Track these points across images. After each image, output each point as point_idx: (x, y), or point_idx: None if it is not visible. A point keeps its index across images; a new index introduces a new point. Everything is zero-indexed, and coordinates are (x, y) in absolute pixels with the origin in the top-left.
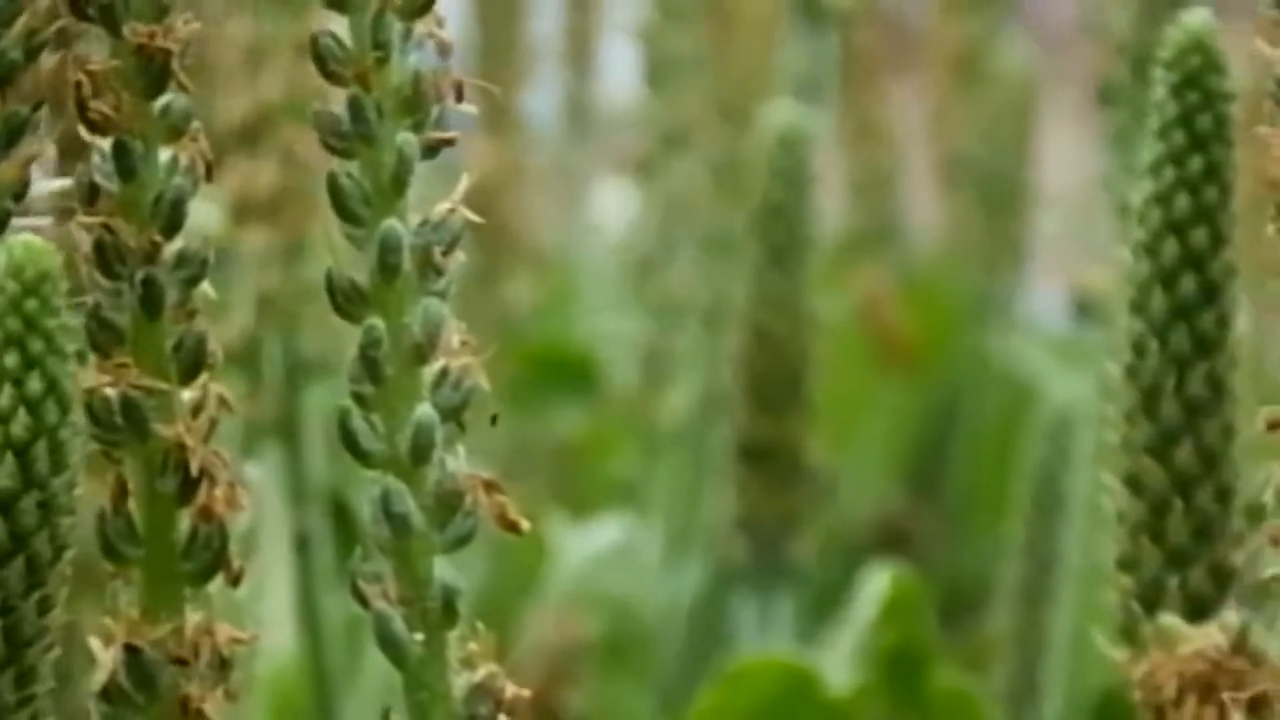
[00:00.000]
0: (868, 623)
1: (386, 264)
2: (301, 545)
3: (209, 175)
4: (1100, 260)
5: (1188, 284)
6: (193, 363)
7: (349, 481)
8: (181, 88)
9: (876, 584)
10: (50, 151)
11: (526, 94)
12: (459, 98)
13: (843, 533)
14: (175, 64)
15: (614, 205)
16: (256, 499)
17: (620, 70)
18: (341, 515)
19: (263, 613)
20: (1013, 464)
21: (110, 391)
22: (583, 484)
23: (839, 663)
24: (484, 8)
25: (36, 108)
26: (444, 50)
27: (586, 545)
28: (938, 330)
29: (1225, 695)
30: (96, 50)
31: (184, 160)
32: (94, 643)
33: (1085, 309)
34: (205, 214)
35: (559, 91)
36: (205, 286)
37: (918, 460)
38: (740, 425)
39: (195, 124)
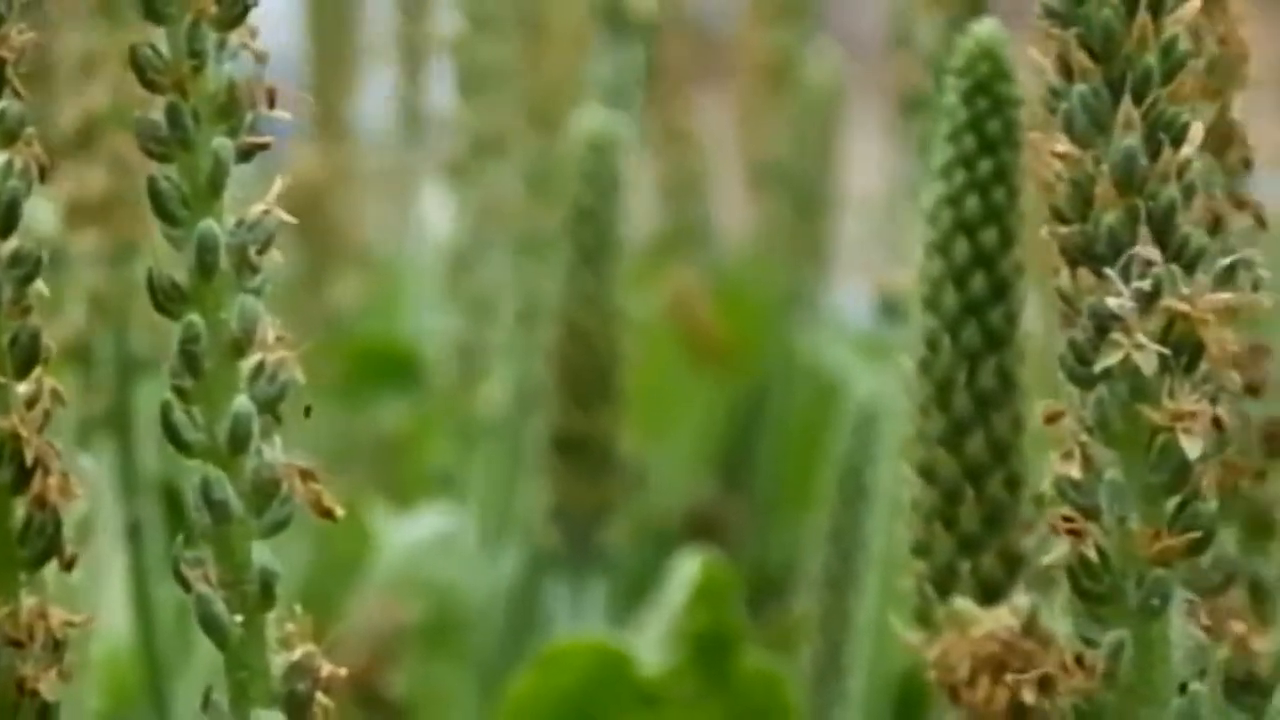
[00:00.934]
0: (679, 607)
1: (204, 263)
2: (133, 533)
3: (43, 178)
4: (902, 261)
5: (978, 282)
6: (27, 357)
7: (179, 471)
8: (15, 94)
9: (687, 570)
10: None
11: (357, 100)
12: (272, 104)
13: (655, 521)
14: (9, 71)
15: (437, 208)
16: (90, 488)
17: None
18: (173, 504)
19: (97, 598)
20: (819, 456)
21: None
22: (405, 474)
23: (651, 645)
24: (316, 17)
25: None
26: (259, 59)
27: (408, 533)
28: (746, 327)
29: (1015, 675)
30: None
31: (18, 164)
32: None
33: (888, 307)
34: (39, 215)
35: (390, 98)
36: (39, 285)
37: (727, 452)
38: (554, 418)
39: (29, 129)
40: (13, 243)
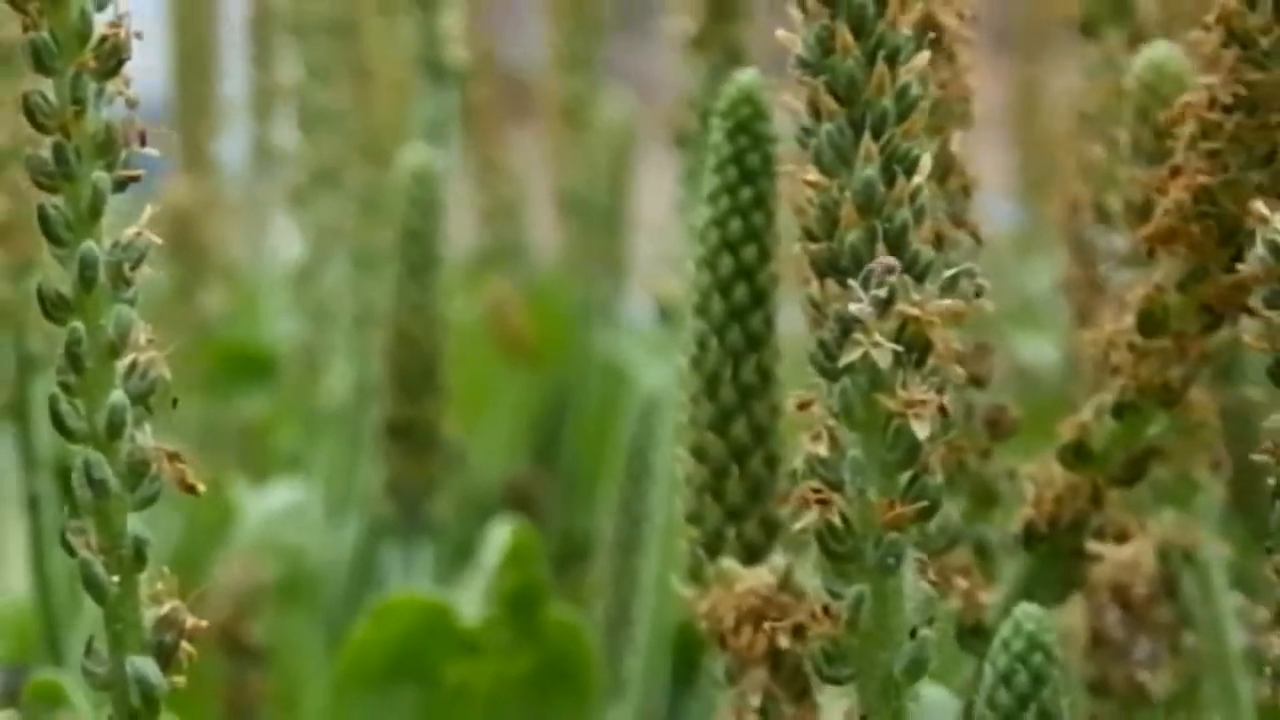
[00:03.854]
0: (493, 568)
1: (85, 278)
2: (32, 505)
3: None
4: (676, 272)
5: (740, 292)
6: None
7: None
8: None
9: (500, 536)
10: None
11: (217, 139)
12: (143, 142)
13: (475, 495)
14: None
15: (285, 230)
16: None
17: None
18: (66, 481)
19: (3, 562)
20: (612, 438)
21: None
22: (261, 455)
23: (470, 600)
24: (181, 68)
25: None
26: (131, 104)
27: (264, 505)
28: (553, 330)
29: (773, 624)
30: None
31: None
32: None
33: (664, 312)
34: None
35: (246, 137)
36: None
37: (537, 435)
38: (386, 407)
39: None
40: None
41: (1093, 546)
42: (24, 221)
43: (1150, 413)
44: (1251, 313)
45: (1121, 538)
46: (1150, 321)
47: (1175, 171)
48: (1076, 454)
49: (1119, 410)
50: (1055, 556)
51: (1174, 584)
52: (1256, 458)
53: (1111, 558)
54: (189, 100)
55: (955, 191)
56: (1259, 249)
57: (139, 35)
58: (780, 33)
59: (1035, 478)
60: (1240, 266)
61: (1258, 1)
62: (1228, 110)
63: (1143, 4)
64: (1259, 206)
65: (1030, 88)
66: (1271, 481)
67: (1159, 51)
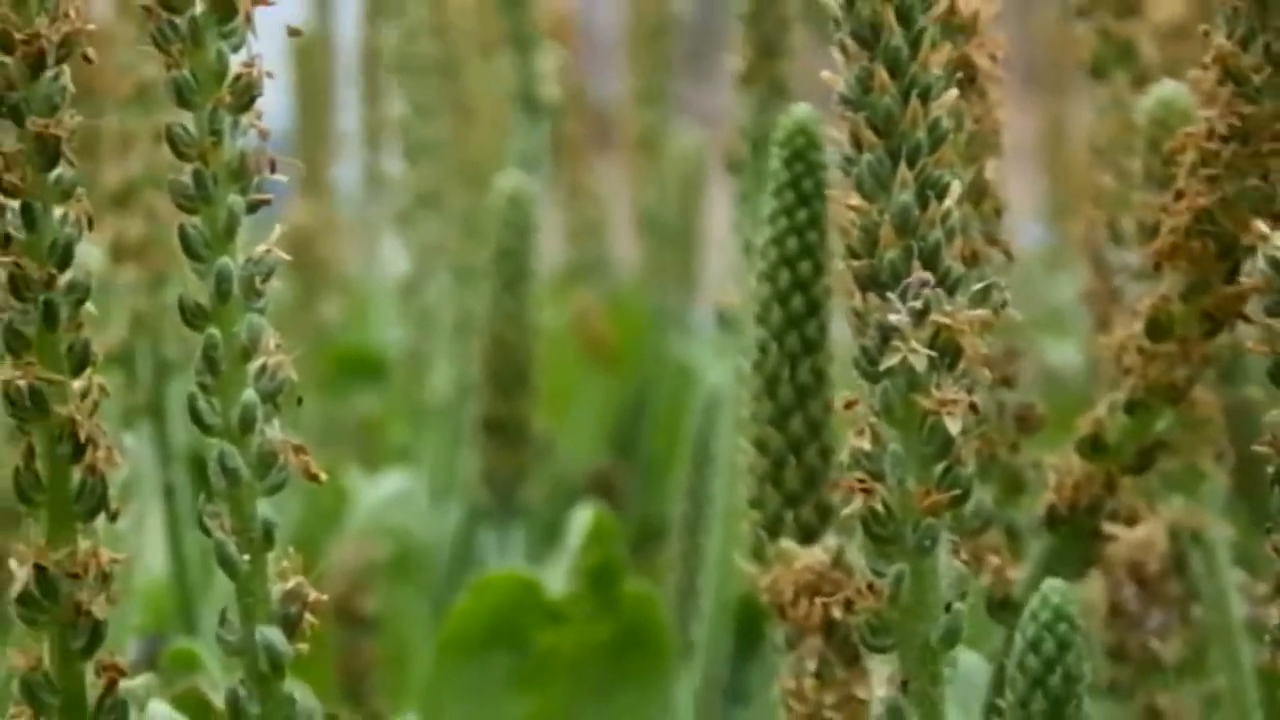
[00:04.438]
0: (577, 547)
1: (221, 290)
2: (168, 493)
3: (90, 226)
4: (737, 284)
5: (796, 302)
6: (81, 361)
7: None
8: (69, 163)
9: (583, 519)
10: None
11: (334, 166)
12: (273, 169)
13: (562, 483)
14: (64, 147)
15: (394, 248)
16: (131, 460)
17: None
18: (198, 471)
19: (139, 542)
20: (682, 432)
21: (21, 382)
22: (373, 448)
23: (557, 576)
24: (304, 104)
25: None
26: (263, 135)
27: (376, 492)
28: (631, 336)
29: (826, 598)
30: (6, 137)
31: (72, 216)
32: (13, 563)
33: (728, 320)
34: (89, 254)
35: (359, 165)
36: (89, 306)
37: (617, 430)
38: (483, 404)
39: (80, 189)
40: (69, 275)
41: (1109, 528)
42: (159, 241)
43: (1158, 409)
44: (1248, 320)
45: (1134, 520)
46: (1157, 328)
47: (1179, 195)
48: (1093, 446)
49: (1130, 407)
50: (1075, 537)
51: (1183, 561)
52: (1257, 449)
53: (1126, 538)
54: (308, 132)
55: (988, 213)
56: (1260, 263)
57: (269, 74)
58: (825, 73)
59: (1057, 467)
60: (1238, 278)
61: (1250, 44)
62: (1224, 140)
63: (1146, 49)
64: (1259, 226)
65: (1055, 122)
66: (1270, 470)
67: (1167, 90)
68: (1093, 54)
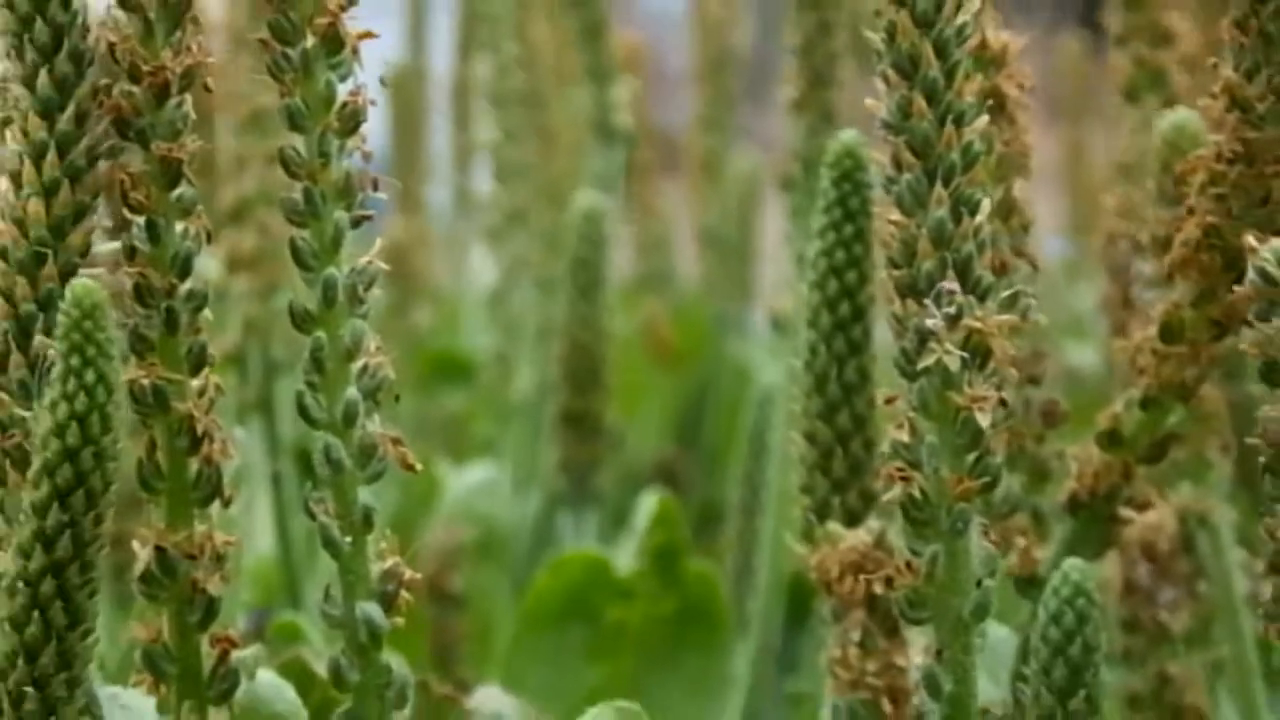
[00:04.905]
0: (644, 529)
1: (327, 297)
2: (276, 481)
3: (208, 240)
4: (789, 292)
5: (843, 308)
6: (198, 362)
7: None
8: (189, 183)
9: (649, 504)
10: (105, 224)
11: (428, 186)
12: (375, 188)
13: (631, 471)
14: (185, 168)
15: (482, 260)
16: (244, 452)
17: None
18: (305, 461)
19: (250, 526)
20: (739, 425)
21: (145, 381)
22: (462, 441)
23: (626, 556)
24: (401, 128)
25: (95, 196)
26: (366, 157)
27: (464, 481)
28: (693, 339)
29: (869, 575)
30: (134, 159)
31: (192, 231)
32: (135, 545)
33: (780, 324)
34: (207, 266)
35: (450, 186)
36: (206, 313)
37: (681, 423)
38: (561, 401)
39: (199, 207)
40: (188, 284)
41: (1124, 512)
42: (270, 254)
43: (1170, 405)
44: (1250, 325)
45: (1147, 505)
46: (1169, 332)
47: (1189, 211)
48: (1111, 438)
49: (1145, 403)
50: (1094, 520)
51: (1190, 542)
52: (1253, 441)
53: (1140, 521)
54: (405, 154)
55: (1016, 228)
56: (1250, 273)
57: (372, 102)
58: (869, 101)
59: (1078, 457)
60: (1239, 288)
61: (1254, 76)
62: (1231, 162)
63: (1175, 76)
64: (1250, 239)
65: (1075, 147)
66: (1263, 460)
67: (1180, 116)
68: (1127, 79)
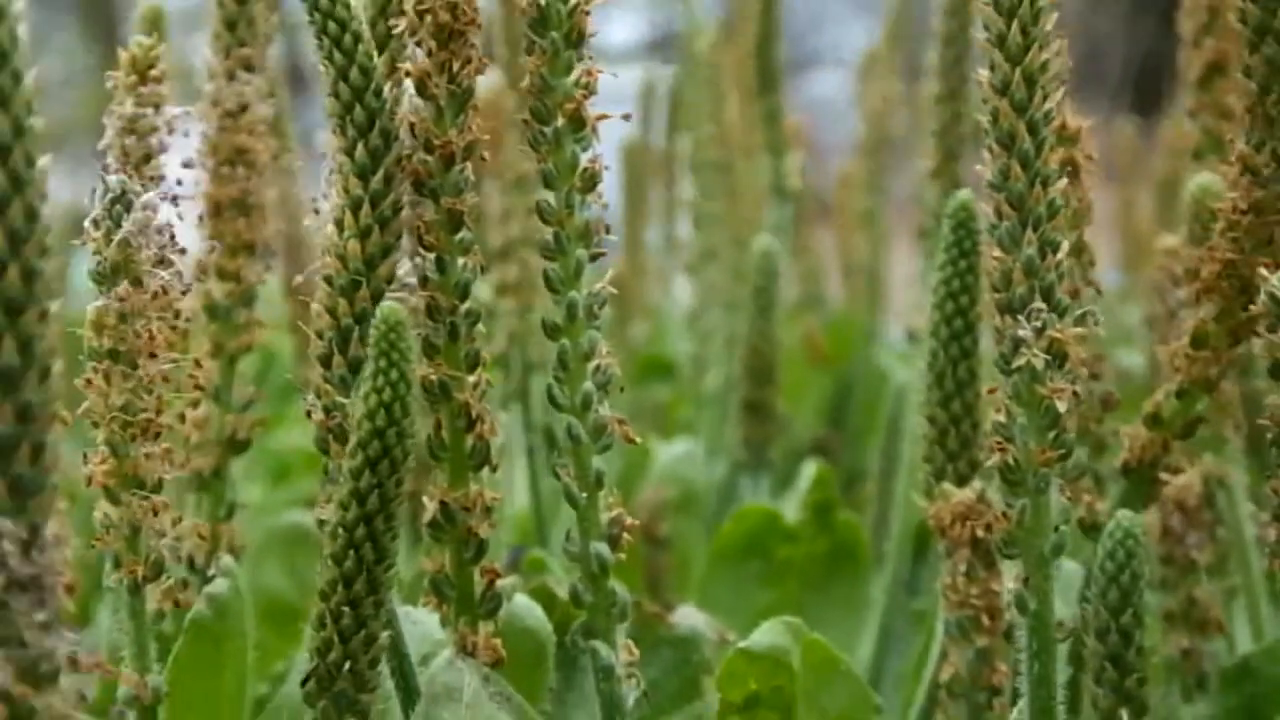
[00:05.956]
0: (805, 489)
1: (570, 314)
2: (530, 453)
3: (482, 271)
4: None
5: (957, 323)
6: (473, 363)
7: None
8: (468, 229)
9: (809, 470)
10: (405, 259)
11: (646, 230)
12: (607, 231)
13: (795, 446)
14: (466, 218)
15: (683, 287)
16: (506, 430)
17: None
18: (551, 437)
19: (512, 486)
20: (878, 412)
21: (433, 376)
22: (667, 423)
23: (791, 508)
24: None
25: (398, 238)
26: (603, 207)
27: (669, 453)
28: (843, 347)
29: (974, 522)
30: (427, 210)
31: (470, 264)
32: (425, 500)
33: (911, 336)
34: (481, 290)
35: (660, 231)
36: (480, 326)
37: (833, 410)
38: (742, 393)
39: (475, 246)
40: (467, 304)
41: (1163, 476)
42: (528, 282)
43: (1198, 396)
44: (1259, 335)
45: (1180, 471)
46: (1198, 341)
47: (1212, 250)
48: (1153, 420)
49: (1179, 394)
50: (1141, 482)
51: (1212, 498)
52: (1261, 422)
53: (1174, 482)
54: (631, 207)
55: (1085, 263)
56: (1263, 296)
57: (606, 167)
58: (978, 167)
59: (1129, 434)
60: (1253, 308)
61: (1261, 149)
62: (1244, 213)
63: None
64: (1261, 271)
65: (1127, 203)
66: (1270, 436)
67: (1204, 177)
68: (1196, 144)
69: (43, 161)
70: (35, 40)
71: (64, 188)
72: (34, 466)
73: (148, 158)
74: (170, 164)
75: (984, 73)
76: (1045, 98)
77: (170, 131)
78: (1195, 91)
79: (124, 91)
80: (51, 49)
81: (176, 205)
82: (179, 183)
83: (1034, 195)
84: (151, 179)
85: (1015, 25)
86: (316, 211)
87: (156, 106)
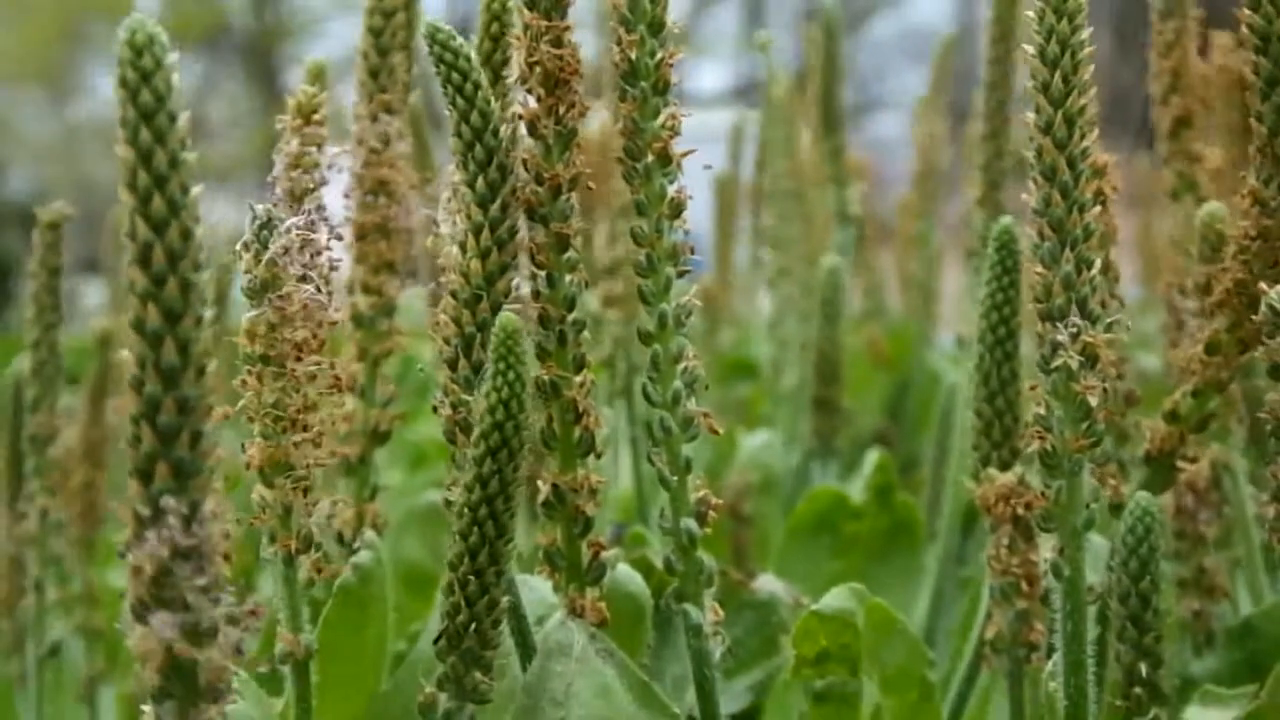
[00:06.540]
0: (869, 473)
1: (662, 322)
2: (633, 443)
3: (588, 285)
4: (966, 320)
5: (1001, 331)
6: (580, 365)
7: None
8: (575, 250)
9: (872, 457)
10: (520, 275)
11: (735, 250)
12: (692, 252)
13: (859, 437)
14: (572, 240)
15: (763, 300)
16: (611, 423)
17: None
18: (649, 429)
19: (616, 471)
20: (931, 408)
21: (545, 377)
22: (748, 416)
23: (857, 490)
24: (718, 212)
25: (514, 258)
26: (686, 232)
27: (751, 442)
28: (901, 351)
29: (1015, 501)
30: (538, 234)
31: (577, 280)
32: (539, 483)
33: (961, 341)
34: (588, 302)
35: (746, 252)
36: (586, 333)
37: (893, 406)
38: (814, 391)
39: (581, 265)
40: (574, 314)
41: (1179, 463)
42: (628, 295)
43: (1210, 395)
44: (1263, 343)
45: (1193, 459)
46: (1212, 348)
47: (1224, 270)
48: (1171, 416)
49: (1194, 394)
50: (1160, 469)
51: (1220, 481)
52: (1262, 416)
53: (1188, 468)
54: (722, 230)
55: (1111, 279)
56: (1263, 307)
57: (691, 196)
58: (1023, 195)
59: (1149, 427)
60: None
61: (1270, 183)
62: (1252, 239)
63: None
64: (1263, 286)
65: (1146, 226)
66: (1269, 428)
67: (1213, 206)
68: (1171, 185)
69: (196, 189)
70: (205, 86)
71: (229, 214)
72: (193, 451)
73: (310, 189)
74: (331, 195)
75: (1030, 115)
76: (1082, 136)
77: (329, 167)
78: (1167, 142)
79: (291, 132)
80: (219, 94)
81: (333, 231)
82: (335, 210)
83: (1072, 220)
84: (314, 208)
85: (1058, 75)
86: (436, 234)
87: (318, 146)
